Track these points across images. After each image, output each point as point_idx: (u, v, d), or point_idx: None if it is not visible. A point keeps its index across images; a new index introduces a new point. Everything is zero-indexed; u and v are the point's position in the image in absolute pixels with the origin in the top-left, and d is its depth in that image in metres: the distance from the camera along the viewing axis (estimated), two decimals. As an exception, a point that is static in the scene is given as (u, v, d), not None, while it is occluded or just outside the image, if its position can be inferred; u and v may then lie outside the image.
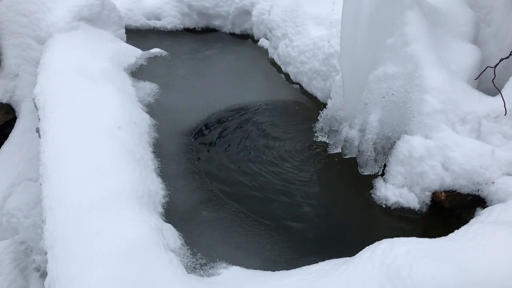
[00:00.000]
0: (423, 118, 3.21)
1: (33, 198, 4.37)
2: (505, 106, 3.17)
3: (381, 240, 2.21)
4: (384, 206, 3.23)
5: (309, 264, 2.50)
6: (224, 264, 2.57)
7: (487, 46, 3.70)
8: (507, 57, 3.28)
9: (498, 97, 3.24)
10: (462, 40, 3.56)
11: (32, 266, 4.25)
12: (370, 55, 3.47)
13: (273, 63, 5.71)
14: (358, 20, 3.39)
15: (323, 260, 2.51)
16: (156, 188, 3.02)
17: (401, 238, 2.18)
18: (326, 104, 4.04)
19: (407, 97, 3.32)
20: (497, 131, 3.16)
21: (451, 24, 3.61)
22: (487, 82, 3.44)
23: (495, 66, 3.33)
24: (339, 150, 3.79)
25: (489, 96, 3.33)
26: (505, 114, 3.18)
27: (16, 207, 4.42)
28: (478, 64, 3.49)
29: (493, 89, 3.32)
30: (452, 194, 3.06)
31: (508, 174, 2.98)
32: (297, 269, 2.46)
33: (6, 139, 4.89)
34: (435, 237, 2.25)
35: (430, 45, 3.35)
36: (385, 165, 3.44)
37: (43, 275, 4.09)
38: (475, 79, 3.46)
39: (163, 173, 3.29)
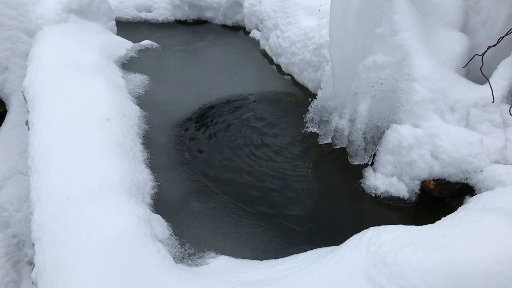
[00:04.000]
0: (411, 107, 3.21)
1: (24, 191, 4.34)
2: (493, 94, 3.17)
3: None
4: (373, 196, 3.24)
5: (298, 253, 2.50)
6: (212, 254, 2.57)
7: (477, 35, 3.69)
8: (494, 45, 3.28)
9: (487, 85, 3.23)
10: (451, 28, 3.55)
11: (25, 259, 4.25)
12: (359, 44, 3.46)
13: (264, 54, 5.69)
14: (347, 9, 3.37)
15: (313, 249, 2.51)
16: (145, 179, 3.01)
17: (388, 225, 2.18)
18: (317, 94, 4.03)
19: (396, 86, 3.31)
20: (486, 119, 3.16)
21: (440, 12, 3.60)
22: (475, 70, 3.43)
23: (483, 54, 3.32)
24: (329, 140, 3.79)
25: (478, 85, 3.32)
26: (493, 102, 3.18)
27: (7, 200, 4.40)
28: (466, 53, 3.48)
29: (482, 78, 3.32)
30: (441, 183, 3.07)
31: (497, 162, 2.99)
32: (285, 258, 2.47)
33: (-4, 132, 4.87)
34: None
35: (419, 33, 3.34)
36: (374, 155, 3.45)
37: (36, 268, 4.08)
38: (463, 67, 3.46)
39: (153, 165, 3.27)
